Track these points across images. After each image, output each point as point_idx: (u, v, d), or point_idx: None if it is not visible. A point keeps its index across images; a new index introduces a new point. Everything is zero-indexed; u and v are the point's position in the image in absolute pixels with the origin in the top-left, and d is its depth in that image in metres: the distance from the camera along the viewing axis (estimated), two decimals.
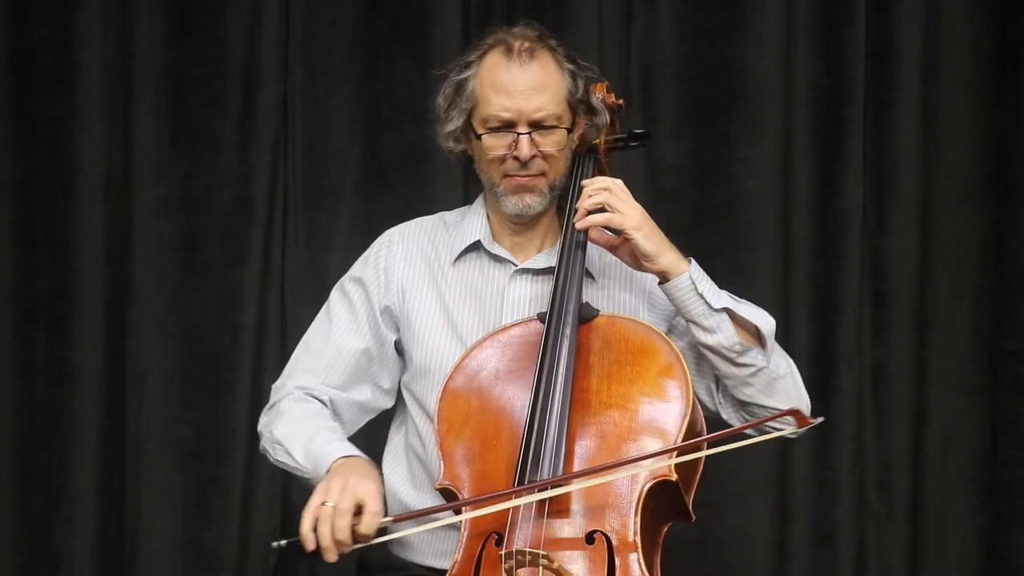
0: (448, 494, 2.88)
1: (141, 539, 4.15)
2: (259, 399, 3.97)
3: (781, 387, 3.04)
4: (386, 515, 2.86)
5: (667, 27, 4.18)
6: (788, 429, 2.91)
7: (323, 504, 2.82)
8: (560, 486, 2.77)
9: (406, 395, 3.19)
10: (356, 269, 3.24)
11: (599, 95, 3.14)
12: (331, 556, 2.82)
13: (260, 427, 3.18)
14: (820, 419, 2.85)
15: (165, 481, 4.16)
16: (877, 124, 4.17)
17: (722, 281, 4.02)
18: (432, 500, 3.03)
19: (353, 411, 3.19)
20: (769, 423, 2.95)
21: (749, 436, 2.87)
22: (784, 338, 4.08)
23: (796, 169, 4.17)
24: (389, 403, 3.22)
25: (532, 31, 3.09)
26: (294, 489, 4.14)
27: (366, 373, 3.18)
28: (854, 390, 4.16)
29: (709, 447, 2.82)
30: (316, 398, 3.15)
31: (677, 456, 2.80)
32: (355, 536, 2.82)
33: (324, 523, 2.81)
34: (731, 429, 2.90)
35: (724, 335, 2.99)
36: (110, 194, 4.14)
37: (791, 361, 3.10)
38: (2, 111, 4.12)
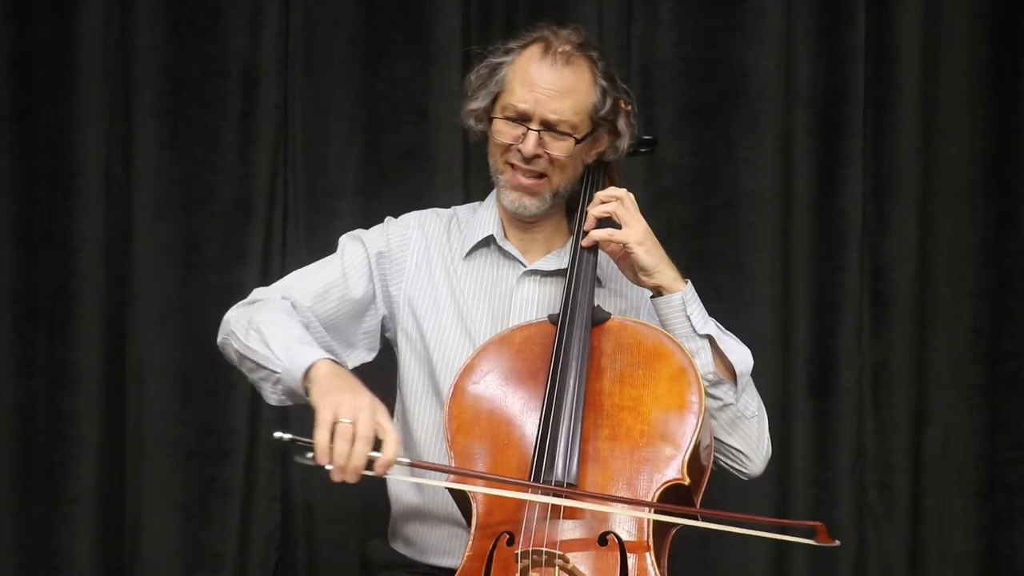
0: (458, 494, 2.86)
1: (141, 539, 4.14)
2: (259, 400, 3.95)
3: (744, 428, 3.04)
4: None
5: (667, 27, 4.18)
6: (807, 540, 2.82)
7: (338, 421, 2.69)
8: (575, 498, 2.77)
9: (403, 386, 3.17)
10: (376, 239, 3.20)
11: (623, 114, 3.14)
12: (339, 476, 2.69)
13: (228, 316, 3.04)
14: (837, 543, 2.81)
15: (165, 481, 4.15)
16: (877, 124, 4.18)
17: (722, 282, 4.07)
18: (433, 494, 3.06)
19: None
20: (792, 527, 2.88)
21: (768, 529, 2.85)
22: (784, 338, 4.13)
23: (796, 169, 4.17)
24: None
25: (578, 37, 3.09)
26: (294, 489, 4.15)
27: (349, 324, 3.14)
28: (854, 390, 4.17)
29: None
30: (299, 314, 3.06)
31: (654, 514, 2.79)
32: (370, 464, 2.69)
33: (344, 441, 2.68)
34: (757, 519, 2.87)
35: (701, 362, 2.98)
36: (110, 194, 4.13)
37: (763, 407, 3.08)
38: (2, 111, 4.11)
